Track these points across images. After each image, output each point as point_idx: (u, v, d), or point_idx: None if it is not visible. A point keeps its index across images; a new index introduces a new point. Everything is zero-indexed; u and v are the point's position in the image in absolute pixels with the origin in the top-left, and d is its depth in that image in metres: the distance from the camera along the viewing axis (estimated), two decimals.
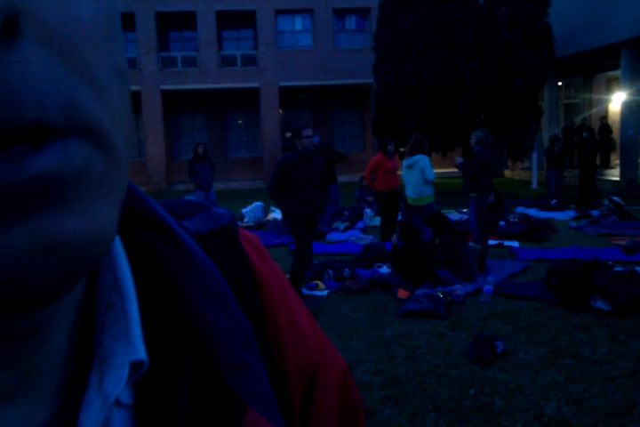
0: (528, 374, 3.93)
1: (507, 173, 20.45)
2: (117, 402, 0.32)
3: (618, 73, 15.71)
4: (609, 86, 21.53)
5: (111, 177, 0.24)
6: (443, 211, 8.31)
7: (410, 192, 7.76)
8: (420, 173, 7.55)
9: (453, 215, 10.45)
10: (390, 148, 8.33)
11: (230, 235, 0.45)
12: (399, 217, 8.53)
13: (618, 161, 15.62)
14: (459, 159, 7.48)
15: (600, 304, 5.13)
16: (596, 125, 18.58)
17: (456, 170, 10.78)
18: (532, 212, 11.15)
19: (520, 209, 11.37)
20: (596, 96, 21.54)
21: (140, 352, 0.32)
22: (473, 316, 5.19)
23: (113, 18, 0.26)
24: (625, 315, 4.95)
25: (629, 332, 4.61)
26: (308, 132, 5.71)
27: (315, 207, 5.84)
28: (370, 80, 18.61)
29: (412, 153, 7.70)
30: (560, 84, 19.10)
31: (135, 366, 0.32)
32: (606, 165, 18.77)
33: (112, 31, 0.25)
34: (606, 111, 21.36)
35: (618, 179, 14.60)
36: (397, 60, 15.15)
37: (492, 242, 7.94)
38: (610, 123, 19.35)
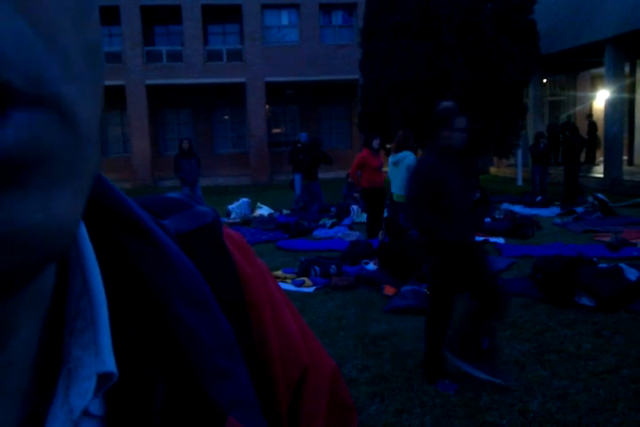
0: (513, 369, 3.96)
1: (492, 169, 20.56)
2: (87, 413, 0.30)
3: (602, 70, 15.83)
4: (593, 84, 21.70)
5: (77, 161, 0.22)
6: None
7: (395, 189, 7.77)
8: (406, 171, 7.56)
9: None
10: (376, 143, 8.33)
11: (213, 234, 0.43)
12: (385, 214, 8.54)
13: (602, 158, 15.76)
14: None
15: (585, 300, 5.18)
16: (581, 123, 18.73)
17: None
18: (518, 208, 11.23)
19: (505, 206, 11.44)
20: (580, 93, 21.70)
21: (109, 364, 0.30)
22: (459, 312, 5.20)
23: None
24: (609, 311, 5.00)
25: (613, 328, 4.65)
26: (462, 121, 3.71)
27: (473, 231, 4.00)
28: (356, 76, 18.60)
29: (398, 149, 7.71)
30: (545, 81, 19.22)
31: (103, 377, 0.30)
32: (591, 162, 18.94)
33: (86, 7, 0.24)
34: (590, 109, 21.53)
35: (602, 176, 14.73)
36: (384, 56, 15.15)
37: (477, 238, 7.97)
38: (595, 120, 19.52)
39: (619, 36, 13.60)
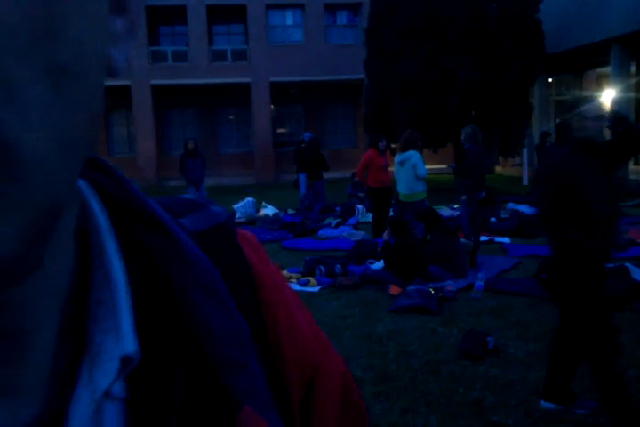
0: (519, 369, 3.95)
1: (497, 169, 20.52)
2: (110, 395, 0.32)
3: (608, 70, 15.78)
4: (599, 83, 21.61)
5: (10, 194, 0.22)
6: (434, 207, 8.32)
7: (402, 188, 7.76)
8: (411, 170, 7.56)
9: (445, 211, 10.47)
10: (381, 145, 8.33)
11: (228, 233, 0.45)
12: (390, 213, 8.54)
13: None
14: (453, 166, 7.52)
15: None
16: None
17: (447, 166, 10.80)
18: (523, 208, 11.17)
19: (511, 205, 11.40)
20: (586, 93, 21.63)
21: (130, 347, 0.32)
22: (464, 312, 5.20)
23: (54, 18, 0.23)
24: (615, 311, 4.98)
25: (619, 327, 4.63)
26: (596, 108, 3.17)
27: (613, 240, 3.40)
28: (361, 76, 18.59)
29: (404, 149, 7.70)
30: (550, 80, 19.17)
31: (125, 360, 0.32)
32: None
33: (50, 30, 0.23)
34: None
35: None
36: (388, 55, 15.14)
37: (482, 238, 7.96)
38: None
39: (625, 36, 13.55)
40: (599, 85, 21.51)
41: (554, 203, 2.96)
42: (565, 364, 3.32)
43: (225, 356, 0.37)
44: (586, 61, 17.99)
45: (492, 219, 9.40)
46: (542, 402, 3.37)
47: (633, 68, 15.71)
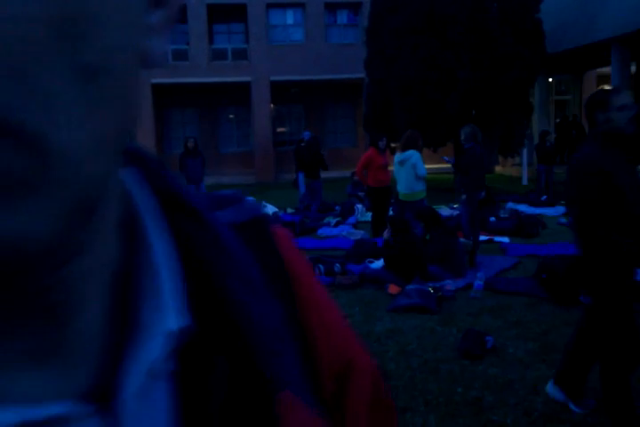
0: (518, 369, 3.95)
1: (497, 168, 20.52)
2: (156, 371, 0.34)
3: (608, 70, 15.78)
4: (599, 83, 21.62)
5: (43, 183, 0.23)
6: (434, 206, 8.32)
7: (401, 188, 7.77)
8: (411, 169, 7.56)
9: (444, 211, 10.48)
10: (381, 144, 8.34)
11: (263, 227, 0.46)
12: (390, 212, 8.54)
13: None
14: (449, 160, 7.50)
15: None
16: (585, 122, 18.67)
17: (447, 166, 10.80)
18: (523, 207, 11.20)
19: (510, 205, 11.42)
20: (586, 93, 21.63)
21: (176, 323, 0.34)
22: (463, 311, 5.20)
23: (82, 19, 0.24)
24: None
25: None
26: (623, 97, 3.01)
27: None
28: (361, 75, 18.59)
29: (405, 149, 7.70)
30: (550, 80, 19.17)
31: (172, 336, 0.34)
32: None
33: (78, 31, 0.24)
34: None
35: None
36: (389, 55, 15.14)
37: (482, 238, 7.96)
38: None
39: (625, 36, 13.55)
40: (599, 85, 21.51)
41: (589, 204, 2.83)
42: (584, 362, 3.32)
43: (263, 343, 0.38)
44: (586, 61, 18.00)
45: (492, 218, 9.40)
46: (551, 387, 3.40)
47: (633, 69, 15.72)
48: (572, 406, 3.34)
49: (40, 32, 0.22)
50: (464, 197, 7.16)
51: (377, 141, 8.34)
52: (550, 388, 3.44)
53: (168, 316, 0.34)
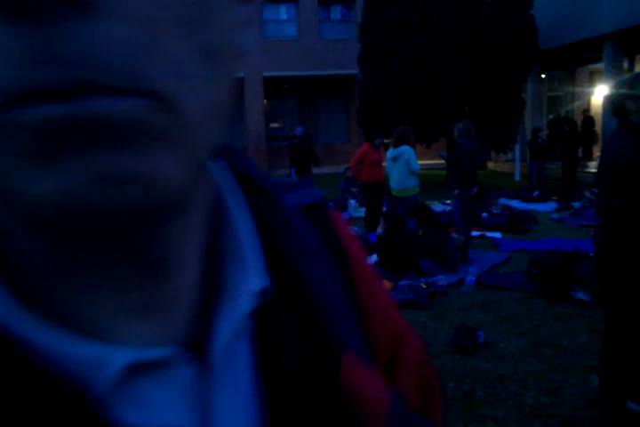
0: (509, 363, 3.97)
1: (490, 164, 20.57)
2: (240, 327, 0.38)
3: (600, 66, 15.83)
4: (591, 79, 21.69)
5: (174, 134, 0.28)
6: (426, 202, 8.33)
7: (394, 184, 7.77)
8: (405, 165, 7.56)
9: (437, 206, 10.49)
10: (378, 141, 8.33)
11: (322, 210, 0.51)
12: (383, 208, 8.55)
13: (599, 153, 15.75)
14: (442, 154, 7.49)
15: (581, 295, 5.19)
16: (578, 118, 18.71)
17: (440, 161, 10.82)
18: (515, 203, 11.23)
19: (502, 201, 11.45)
20: (578, 89, 21.69)
21: (260, 284, 0.38)
22: (455, 306, 5.22)
23: (204, 8, 0.29)
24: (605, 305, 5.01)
25: None
26: None
27: None
28: (355, 71, 18.57)
29: (397, 145, 7.70)
30: (543, 76, 19.21)
31: (256, 296, 0.38)
32: (589, 157, 18.95)
33: (201, 18, 0.28)
34: (588, 104, 21.52)
35: None
36: (382, 50, 15.12)
37: (474, 233, 7.99)
38: (592, 115, 19.50)
39: (617, 32, 13.59)
40: (592, 82, 21.57)
41: (621, 201, 2.70)
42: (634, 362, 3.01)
43: (327, 309, 0.43)
44: (579, 58, 18.04)
45: (484, 214, 9.43)
46: (629, 404, 3.04)
47: (626, 65, 15.76)
48: None
49: (176, 13, 0.27)
50: (456, 192, 7.18)
51: (374, 138, 8.33)
52: (631, 406, 3.07)
53: (251, 278, 0.39)
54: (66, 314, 0.32)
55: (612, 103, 2.88)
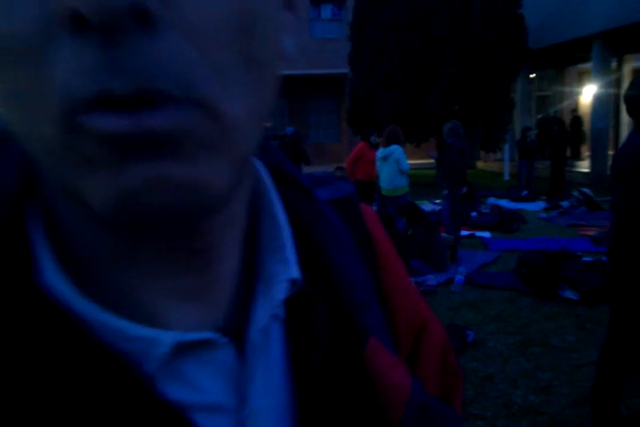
0: (497, 362, 3.99)
1: (479, 164, 20.64)
2: (276, 314, 0.41)
3: (589, 66, 15.91)
4: (580, 79, 21.80)
5: (220, 142, 0.30)
6: (416, 202, 8.35)
7: (384, 183, 7.78)
8: (394, 165, 7.57)
9: (426, 206, 10.52)
10: (373, 139, 8.35)
11: (353, 204, 0.54)
12: (374, 207, 8.55)
13: (588, 153, 15.86)
14: (433, 155, 7.50)
15: (569, 294, 5.22)
16: (567, 118, 18.81)
17: (430, 161, 10.84)
18: (504, 203, 11.28)
19: (491, 200, 11.49)
20: (567, 89, 21.80)
21: (296, 273, 0.41)
22: (444, 305, 5.24)
23: (251, 18, 0.30)
24: (592, 304, 5.05)
25: (597, 321, 4.70)
26: None
27: None
28: (345, 70, 18.56)
29: (387, 144, 7.71)
30: (532, 76, 19.29)
31: (292, 283, 0.41)
32: (577, 157, 19.05)
33: (248, 28, 0.30)
34: (577, 104, 21.64)
35: (588, 171, 14.83)
36: (373, 50, 15.12)
37: (463, 233, 8.01)
38: (580, 115, 19.61)
39: (606, 32, 13.66)
40: (580, 81, 21.69)
41: (636, 199, 2.71)
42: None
43: (354, 297, 0.45)
44: (568, 57, 18.12)
45: (473, 213, 9.46)
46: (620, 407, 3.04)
47: (614, 64, 15.88)
48: None
49: (229, 26, 0.29)
50: (445, 192, 7.20)
51: (369, 136, 8.35)
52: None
53: (290, 267, 0.41)
54: (117, 298, 0.35)
55: (629, 103, 2.89)
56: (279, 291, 0.40)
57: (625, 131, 19.12)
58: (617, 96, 16.82)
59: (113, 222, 0.31)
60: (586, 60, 16.46)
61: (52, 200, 0.36)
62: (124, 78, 0.27)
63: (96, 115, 0.27)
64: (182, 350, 0.36)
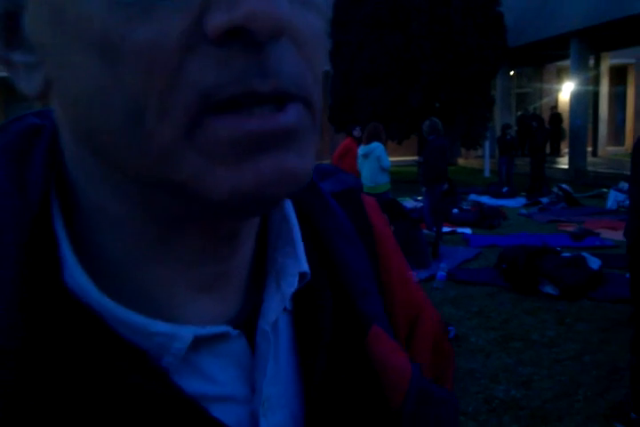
0: (479, 358, 4.02)
1: (460, 161, 20.76)
2: (284, 306, 0.42)
3: (567, 63, 16.08)
4: (559, 76, 22.03)
5: (314, 133, 0.35)
6: (398, 198, 8.37)
7: (365, 180, 7.78)
8: (376, 162, 7.57)
9: (408, 203, 10.55)
10: (356, 133, 8.34)
11: (355, 196, 0.56)
12: None
13: (567, 150, 16.03)
14: (420, 159, 7.53)
15: (548, 289, 5.28)
16: (546, 115, 18.99)
17: (412, 158, 10.88)
18: (484, 199, 11.36)
19: (472, 197, 11.56)
20: (546, 86, 22.01)
21: (305, 266, 0.43)
22: None
23: (328, 20, 0.36)
24: (572, 299, 5.11)
25: (576, 315, 4.75)
26: None
27: None
28: (326, 67, 18.53)
29: (368, 141, 7.72)
30: (512, 73, 19.44)
31: (302, 275, 0.42)
32: (557, 153, 19.25)
33: (326, 45, 0.36)
34: (556, 101, 21.85)
35: (567, 167, 14.99)
36: (353, 47, 15.13)
37: (445, 229, 8.06)
38: (559, 112, 19.81)
39: (584, 30, 13.81)
40: (559, 78, 21.91)
41: None
42: None
43: (357, 285, 0.47)
44: (546, 55, 18.30)
45: (455, 210, 9.51)
46: (632, 415, 3.08)
47: (592, 62, 16.06)
48: None
49: (321, 32, 0.36)
50: (424, 188, 7.23)
51: (351, 130, 8.35)
52: (633, 416, 3.08)
53: (300, 261, 0.43)
54: (136, 295, 0.38)
55: None
56: (289, 284, 0.42)
57: (603, 128, 19.36)
58: (595, 93, 17.02)
59: (219, 210, 0.34)
60: (564, 57, 16.64)
61: (80, 200, 0.38)
62: (268, 79, 0.31)
63: (228, 116, 0.31)
64: (198, 343, 0.38)
